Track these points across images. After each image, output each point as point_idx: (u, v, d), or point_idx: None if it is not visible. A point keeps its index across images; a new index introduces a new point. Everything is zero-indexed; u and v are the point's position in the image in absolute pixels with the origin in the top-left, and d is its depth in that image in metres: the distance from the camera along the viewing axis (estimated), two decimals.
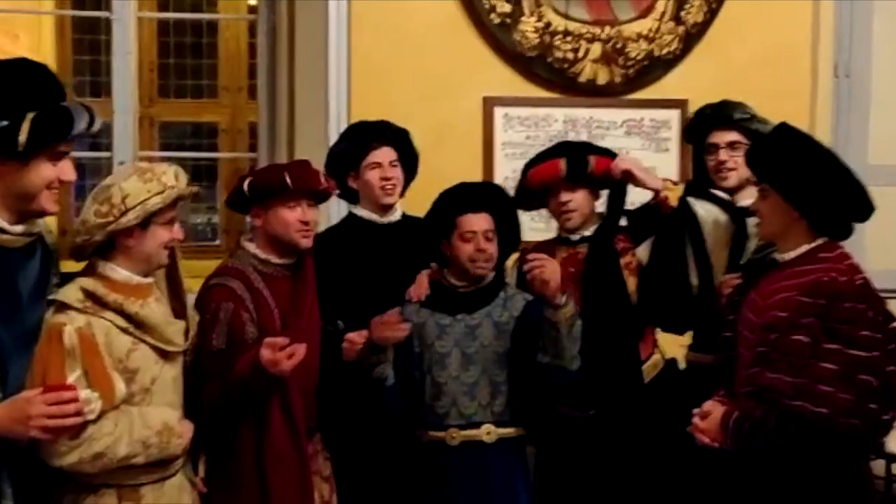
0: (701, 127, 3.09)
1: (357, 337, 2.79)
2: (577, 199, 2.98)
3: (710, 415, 2.43)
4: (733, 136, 3.00)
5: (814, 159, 2.36)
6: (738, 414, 2.34)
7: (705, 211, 3.04)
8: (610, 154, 3.04)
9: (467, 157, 3.96)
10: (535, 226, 3.54)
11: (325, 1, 3.82)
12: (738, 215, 3.01)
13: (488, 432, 2.81)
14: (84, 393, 2.14)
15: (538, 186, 3.02)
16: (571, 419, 2.93)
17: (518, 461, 2.86)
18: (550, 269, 2.68)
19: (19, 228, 2.15)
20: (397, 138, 3.12)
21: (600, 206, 3.09)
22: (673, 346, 3.19)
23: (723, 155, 3.00)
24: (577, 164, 2.95)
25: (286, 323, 2.71)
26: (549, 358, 2.74)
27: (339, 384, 2.86)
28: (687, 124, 3.18)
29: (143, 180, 2.30)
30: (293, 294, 2.76)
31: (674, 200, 2.91)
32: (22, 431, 2.03)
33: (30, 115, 2.05)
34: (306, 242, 2.73)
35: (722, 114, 3.04)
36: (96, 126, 2.19)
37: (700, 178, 3.11)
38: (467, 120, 3.96)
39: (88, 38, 7.87)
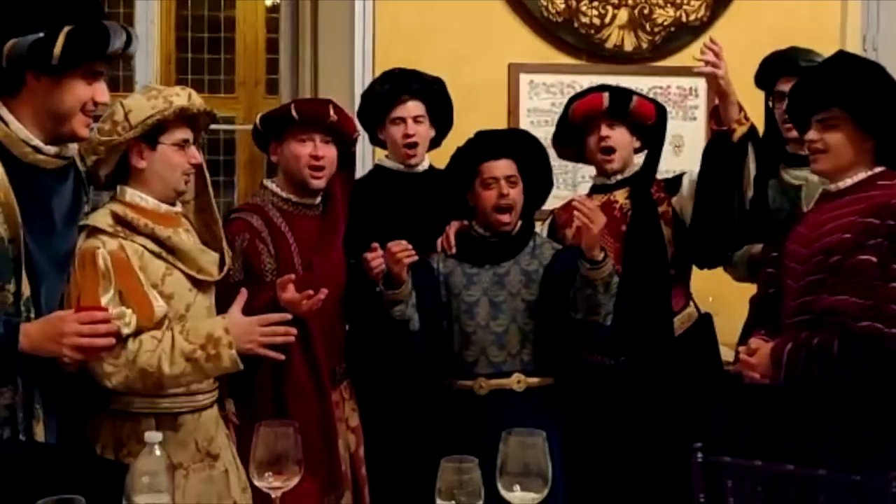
0: (768, 75, 3.04)
1: (372, 255, 2.73)
2: (616, 136, 2.95)
3: (757, 350, 2.35)
4: None
5: (888, 84, 2.30)
6: (792, 344, 2.26)
7: None
8: (654, 101, 3.02)
9: (492, 124, 3.75)
10: (560, 193, 3.51)
11: None
12: None
13: (518, 381, 2.77)
14: (117, 310, 2.11)
15: (580, 119, 2.99)
16: (600, 368, 2.89)
17: (548, 410, 2.80)
18: (598, 222, 2.60)
19: (53, 150, 2.13)
20: (425, 91, 3.07)
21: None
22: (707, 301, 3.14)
23: None
24: (620, 98, 2.93)
25: (310, 262, 2.67)
26: (581, 314, 2.68)
27: (366, 327, 2.82)
28: (756, 73, 3.11)
29: (147, 97, 2.27)
30: (320, 234, 2.73)
31: (739, 134, 2.79)
32: (54, 349, 2.00)
33: (66, 29, 2.02)
34: (317, 182, 2.70)
35: (788, 60, 2.98)
36: (133, 48, 2.16)
37: (770, 130, 3.05)
38: (492, 86, 3.93)
39: None
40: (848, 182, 2.33)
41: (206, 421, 2.37)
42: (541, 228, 3.08)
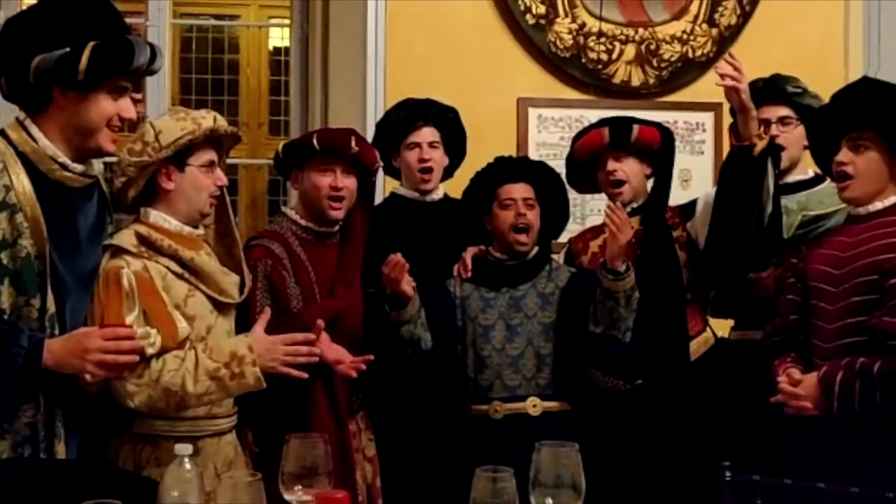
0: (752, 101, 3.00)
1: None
2: (624, 168, 2.96)
3: (801, 381, 2.30)
4: (784, 110, 2.97)
5: None
6: (843, 372, 2.21)
7: None
8: (658, 125, 3.03)
9: None
10: (569, 227, 3.53)
11: (364, 2, 3.86)
12: None
13: (534, 405, 2.76)
14: (142, 329, 2.11)
15: (584, 157, 3.02)
16: (615, 394, 2.87)
17: (564, 435, 2.75)
18: (625, 233, 2.64)
19: (79, 168, 2.16)
20: (440, 118, 3.11)
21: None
22: (724, 326, 3.14)
23: (774, 130, 2.93)
24: (620, 131, 2.95)
25: (332, 290, 2.68)
26: (602, 328, 2.69)
27: (382, 355, 2.82)
28: None
29: (176, 119, 2.30)
30: (340, 264, 2.74)
31: (759, 149, 2.77)
32: (78, 365, 2.00)
33: (91, 44, 2.05)
34: (335, 213, 2.70)
35: (774, 87, 2.99)
36: (158, 64, 2.19)
37: None
38: (502, 120, 3.96)
39: None
40: (878, 206, 2.34)
41: (225, 446, 2.37)
42: (557, 258, 3.09)
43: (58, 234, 2.07)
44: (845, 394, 2.21)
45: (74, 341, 2.01)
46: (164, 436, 2.24)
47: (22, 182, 2.03)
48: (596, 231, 3.11)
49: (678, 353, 2.90)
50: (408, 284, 2.67)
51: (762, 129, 2.79)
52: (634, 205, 3.00)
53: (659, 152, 3.00)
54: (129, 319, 2.13)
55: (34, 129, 2.10)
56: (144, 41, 2.18)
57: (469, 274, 2.87)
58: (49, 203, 2.06)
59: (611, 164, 2.97)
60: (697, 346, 2.95)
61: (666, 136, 3.02)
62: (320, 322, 2.42)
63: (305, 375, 2.34)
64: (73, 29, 2.07)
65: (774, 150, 2.79)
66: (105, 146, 2.16)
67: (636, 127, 2.97)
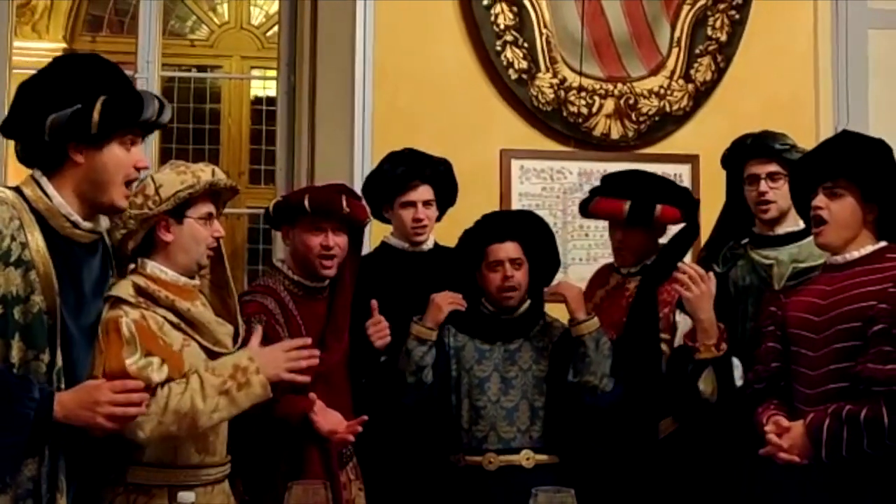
0: (739, 157, 3.06)
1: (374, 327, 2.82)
2: (631, 239, 2.97)
3: (787, 430, 2.32)
4: (773, 166, 2.97)
5: (892, 158, 2.41)
6: (830, 420, 2.24)
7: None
8: (679, 202, 2.97)
9: (486, 207, 3.90)
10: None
11: (351, 53, 3.95)
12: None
13: (527, 458, 2.80)
14: (144, 360, 2.17)
15: (598, 217, 3.08)
16: (604, 449, 2.89)
17: None
18: (568, 290, 2.79)
19: (88, 225, 2.19)
20: (435, 177, 3.15)
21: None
22: None
23: (763, 186, 2.97)
24: (641, 210, 2.91)
25: (325, 343, 2.72)
26: (578, 377, 2.76)
27: (372, 403, 2.85)
28: (724, 154, 3.14)
29: (176, 172, 2.35)
30: (331, 316, 2.78)
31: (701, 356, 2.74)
32: (88, 417, 2.03)
33: (101, 98, 2.12)
34: (327, 271, 2.75)
35: (762, 144, 3.02)
36: (166, 116, 2.25)
37: (733, 210, 3.10)
38: (485, 171, 4.05)
39: None
40: (855, 254, 2.41)
41: (218, 495, 2.38)
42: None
43: (65, 289, 2.10)
44: (833, 441, 2.23)
45: (84, 393, 2.04)
46: (158, 485, 2.26)
47: (36, 239, 2.07)
48: (602, 276, 3.13)
49: (646, 427, 2.85)
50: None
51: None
52: (633, 270, 3.00)
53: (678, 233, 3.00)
54: (130, 361, 2.16)
55: (49, 187, 2.14)
56: (152, 94, 2.25)
57: (460, 305, 2.87)
58: (58, 258, 2.10)
59: (619, 234, 2.99)
60: (665, 427, 2.87)
61: (689, 208, 2.99)
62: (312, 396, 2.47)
63: (307, 379, 2.38)
64: (84, 87, 2.13)
65: (721, 362, 2.73)
66: (118, 202, 2.20)
67: (659, 207, 2.92)
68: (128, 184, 2.20)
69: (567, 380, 2.79)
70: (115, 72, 2.22)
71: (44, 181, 2.15)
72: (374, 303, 2.83)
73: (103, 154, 2.15)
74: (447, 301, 2.82)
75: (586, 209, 3.12)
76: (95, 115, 2.09)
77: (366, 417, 2.63)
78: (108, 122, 2.11)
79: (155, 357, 2.20)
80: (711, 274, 2.82)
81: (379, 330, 2.81)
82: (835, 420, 2.25)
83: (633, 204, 2.92)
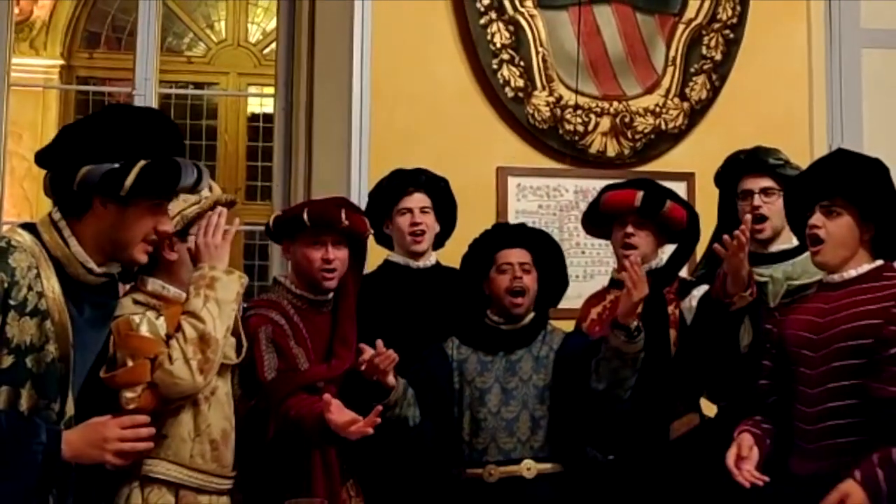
0: (733, 173, 3.08)
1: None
2: (640, 236, 2.98)
3: (849, 496, 2.20)
4: (767, 181, 2.98)
5: (888, 176, 2.42)
6: (883, 469, 2.18)
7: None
8: (688, 207, 3.04)
9: (483, 224, 3.93)
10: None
11: (349, 73, 3.97)
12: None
13: (528, 468, 2.78)
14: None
15: (609, 211, 3.05)
16: (597, 461, 2.91)
17: (558, 498, 2.80)
18: (640, 290, 2.65)
19: (101, 271, 2.13)
20: (431, 185, 3.18)
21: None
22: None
23: (757, 200, 2.98)
24: (653, 199, 2.97)
25: (334, 352, 2.73)
26: (604, 385, 2.72)
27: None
28: (718, 170, 3.15)
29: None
30: (337, 328, 2.78)
31: (737, 307, 2.77)
32: (97, 455, 2.03)
33: (140, 163, 2.06)
34: (329, 284, 2.75)
35: (756, 159, 3.03)
36: (203, 186, 2.22)
37: (726, 228, 3.01)
38: (482, 189, 4.06)
39: None
40: (853, 273, 2.42)
41: None
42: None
43: (78, 336, 2.07)
44: (893, 488, 2.18)
45: (91, 430, 2.02)
46: (167, 482, 2.30)
47: (52, 286, 2.03)
48: (599, 297, 3.13)
49: (658, 430, 2.89)
50: (392, 376, 2.68)
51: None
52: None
53: (682, 233, 3.03)
54: (143, 328, 2.23)
55: (67, 233, 2.08)
56: (192, 163, 2.17)
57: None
58: (71, 304, 2.07)
59: (630, 228, 2.98)
60: (680, 426, 2.93)
61: (692, 219, 3.04)
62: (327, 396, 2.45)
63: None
64: (125, 145, 2.07)
65: (754, 306, 2.77)
66: (138, 258, 2.15)
67: (669, 202, 2.97)
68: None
69: (589, 386, 2.73)
70: (164, 134, 2.14)
71: (62, 225, 2.08)
72: (380, 342, 2.70)
73: (128, 213, 2.09)
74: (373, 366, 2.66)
75: (590, 216, 3.13)
76: (129, 180, 2.03)
77: (380, 408, 2.55)
78: (141, 189, 2.06)
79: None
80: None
81: (385, 359, 2.70)
82: (887, 467, 2.20)
83: (646, 193, 2.96)
